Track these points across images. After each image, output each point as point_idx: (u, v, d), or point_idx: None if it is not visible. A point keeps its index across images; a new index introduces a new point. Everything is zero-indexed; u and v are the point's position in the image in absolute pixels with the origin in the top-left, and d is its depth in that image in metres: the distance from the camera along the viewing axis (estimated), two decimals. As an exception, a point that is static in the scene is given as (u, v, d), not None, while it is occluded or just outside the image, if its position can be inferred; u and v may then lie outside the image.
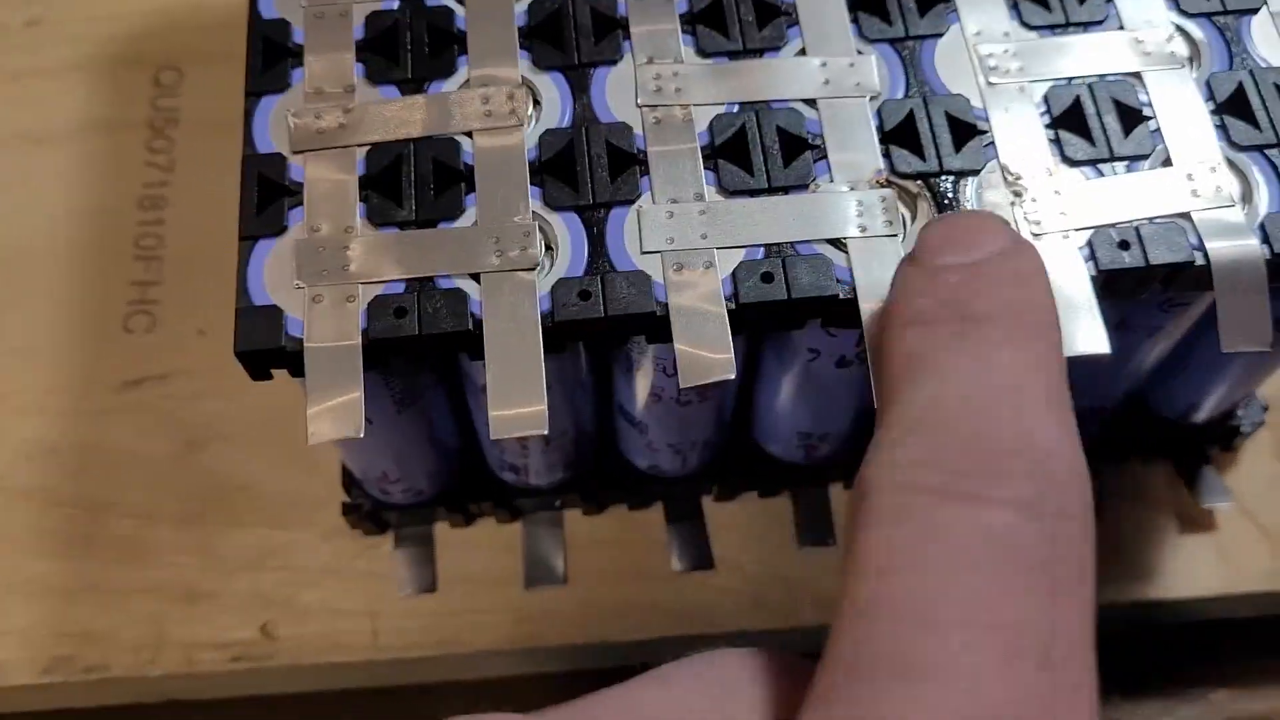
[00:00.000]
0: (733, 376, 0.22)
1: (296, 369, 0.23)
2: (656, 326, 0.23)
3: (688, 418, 0.29)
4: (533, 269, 0.23)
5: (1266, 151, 0.25)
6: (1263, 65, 0.26)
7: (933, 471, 0.17)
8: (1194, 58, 0.26)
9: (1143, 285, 0.24)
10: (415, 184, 0.24)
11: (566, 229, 0.24)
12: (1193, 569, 0.33)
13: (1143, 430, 0.33)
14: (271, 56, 0.26)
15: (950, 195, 0.24)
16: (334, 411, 0.22)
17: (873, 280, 0.23)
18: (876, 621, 0.16)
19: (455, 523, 0.33)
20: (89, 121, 0.39)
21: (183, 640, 0.32)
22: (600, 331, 0.23)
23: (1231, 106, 0.25)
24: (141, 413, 0.34)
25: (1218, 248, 0.24)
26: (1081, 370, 0.22)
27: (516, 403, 0.22)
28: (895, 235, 0.24)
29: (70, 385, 0.35)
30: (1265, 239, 0.24)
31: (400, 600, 0.32)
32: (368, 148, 0.25)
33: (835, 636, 0.17)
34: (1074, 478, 0.18)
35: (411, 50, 0.26)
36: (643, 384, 0.28)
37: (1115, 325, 0.27)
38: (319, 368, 0.23)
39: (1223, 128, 0.25)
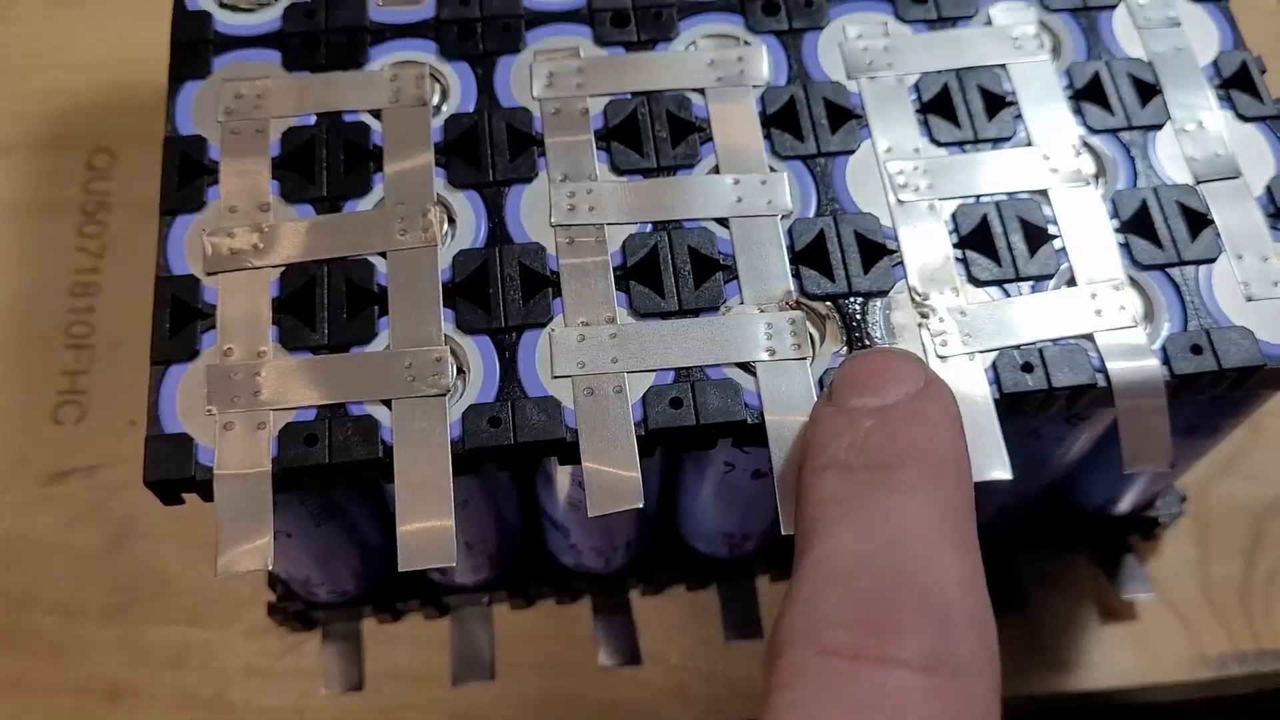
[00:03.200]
0: (640, 505, 0.23)
1: (207, 495, 0.23)
2: (566, 451, 0.23)
3: (609, 524, 0.29)
4: (444, 395, 0.23)
5: (1169, 270, 0.25)
6: (1167, 183, 0.26)
7: (838, 631, 0.18)
8: (1100, 174, 0.27)
9: (1046, 405, 0.25)
10: (328, 306, 0.24)
11: (479, 352, 0.24)
12: (1113, 659, 0.33)
13: (1063, 521, 0.34)
14: (187, 174, 0.26)
15: (858, 317, 0.25)
16: (244, 542, 0.22)
17: (781, 404, 0.23)
18: None
19: (383, 619, 0.33)
20: (19, 205, 0.39)
21: (107, 739, 0.32)
22: (510, 457, 0.23)
23: (1135, 225, 0.26)
24: (68, 505, 0.34)
25: (1119, 369, 0.24)
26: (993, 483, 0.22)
27: (425, 534, 0.22)
28: (804, 358, 0.24)
29: (-3, 476, 0.35)
30: (1165, 360, 0.24)
31: (328, 697, 0.32)
32: (282, 268, 0.25)
33: None
34: (978, 629, 0.18)
35: (327, 168, 0.26)
36: (561, 492, 0.28)
37: (1027, 434, 0.27)
38: (229, 496, 0.23)
39: (1126, 246, 0.26)
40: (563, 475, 0.27)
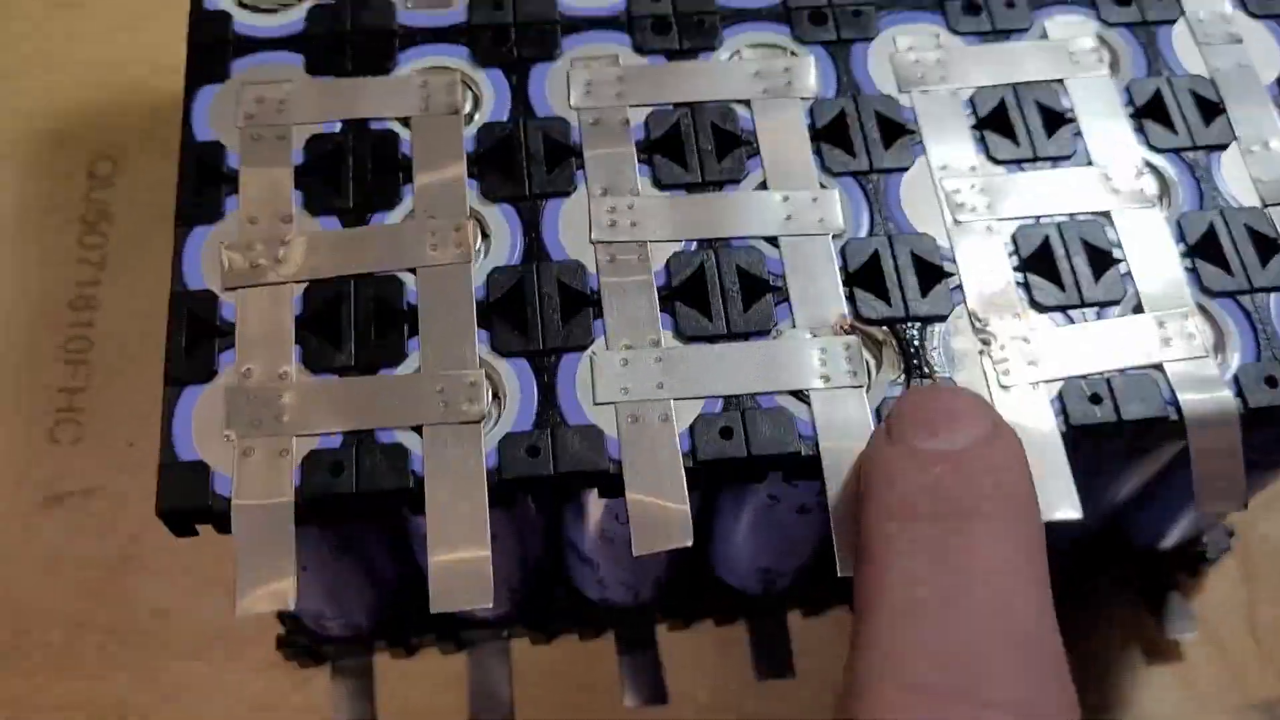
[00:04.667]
0: (689, 544, 0.21)
1: (224, 528, 0.22)
2: (609, 484, 0.22)
3: (641, 557, 0.28)
4: (479, 422, 0.22)
5: (1239, 297, 0.24)
6: (1234, 205, 0.25)
7: (930, 670, 0.17)
8: (1164, 195, 0.25)
9: (1114, 438, 0.23)
10: (355, 325, 0.23)
11: (515, 377, 0.23)
12: (1158, 702, 0.32)
13: (1109, 556, 0.32)
14: (204, 183, 0.24)
15: (917, 343, 0.23)
16: (265, 580, 0.21)
17: (836, 435, 0.22)
18: None
19: (396, 654, 0.31)
20: (19, 214, 0.37)
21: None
22: (550, 489, 0.22)
23: (1202, 249, 0.25)
24: (65, 530, 0.33)
25: (1192, 401, 0.23)
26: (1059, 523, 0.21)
27: (459, 572, 0.21)
28: (860, 386, 0.23)
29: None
30: (1239, 392, 0.23)
31: (337, 736, 0.31)
32: (305, 284, 0.23)
33: None
34: (1062, 674, 0.18)
35: (354, 178, 0.24)
36: (593, 525, 0.26)
37: (1083, 467, 0.26)
38: (248, 528, 0.21)
39: (1194, 271, 0.24)
40: (595, 506, 0.25)
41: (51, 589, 0.32)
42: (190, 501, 0.21)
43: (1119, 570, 0.33)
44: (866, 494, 0.20)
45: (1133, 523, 0.31)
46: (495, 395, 0.22)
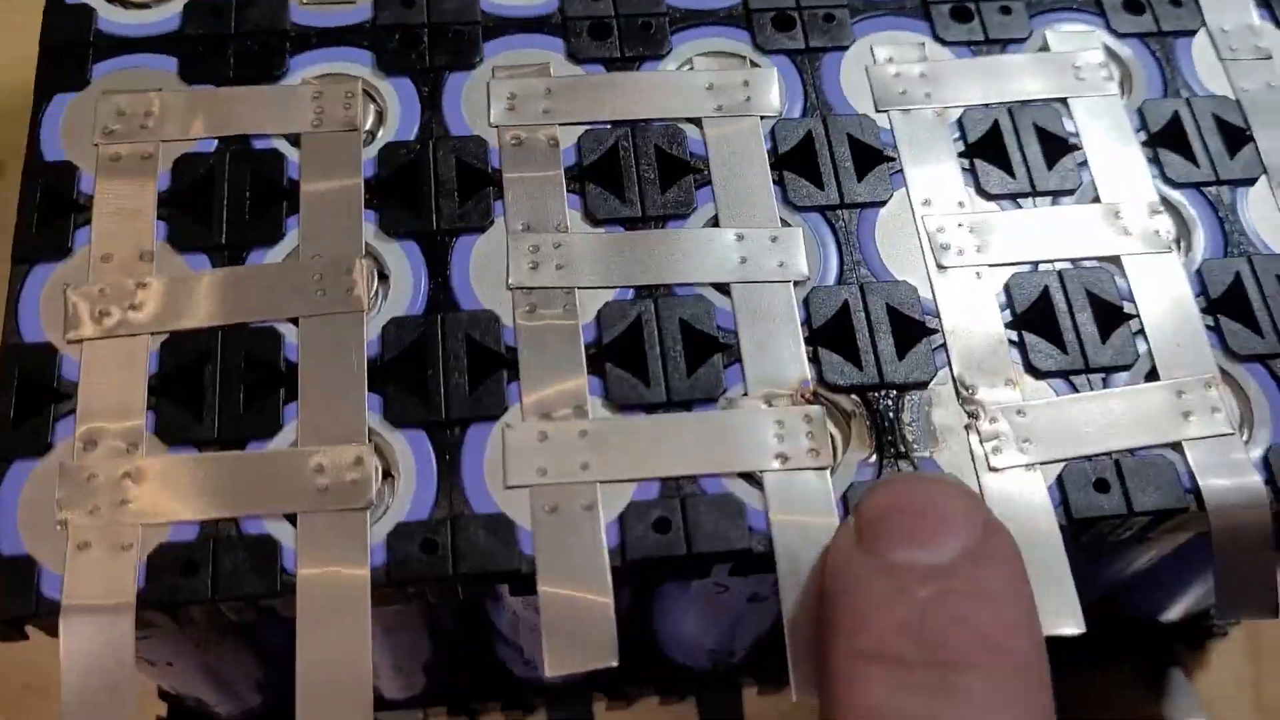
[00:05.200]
0: (614, 664, 0.18)
1: (54, 632, 0.18)
2: (521, 583, 0.18)
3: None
4: (365, 509, 0.18)
5: (1270, 363, 0.21)
6: (1263, 251, 0.22)
7: None
8: (1182, 238, 0.22)
9: (1121, 529, 0.20)
10: (221, 389, 0.19)
11: (411, 453, 0.19)
12: (1159, 791, 0.29)
13: (1107, 631, 0.29)
14: (50, 212, 0.20)
15: (892, 415, 0.20)
16: (96, 702, 0.17)
17: (794, 527, 0.19)
18: None
19: (297, 737, 0.28)
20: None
21: None
22: (449, 590, 0.18)
23: (1227, 304, 0.21)
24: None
25: (1214, 488, 0.19)
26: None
27: (333, 695, 0.17)
28: (823, 467, 0.19)
29: None
30: (1269, 477, 0.20)
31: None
32: (164, 337, 0.20)
33: None
34: None
35: (229, 207, 0.21)
36: (510, 612, 0.23)
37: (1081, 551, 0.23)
38: (79, 638, 0.18)
39: (1217, 330, 0.21)
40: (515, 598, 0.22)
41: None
42: (12, 609, 0.18)
43: (1118, 646, 0.29)
44: (832, 617, 0.17)
45: (1133, 597, 0.28)
46: (386, 475, 0.19)
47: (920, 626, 0.16)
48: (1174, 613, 0.28)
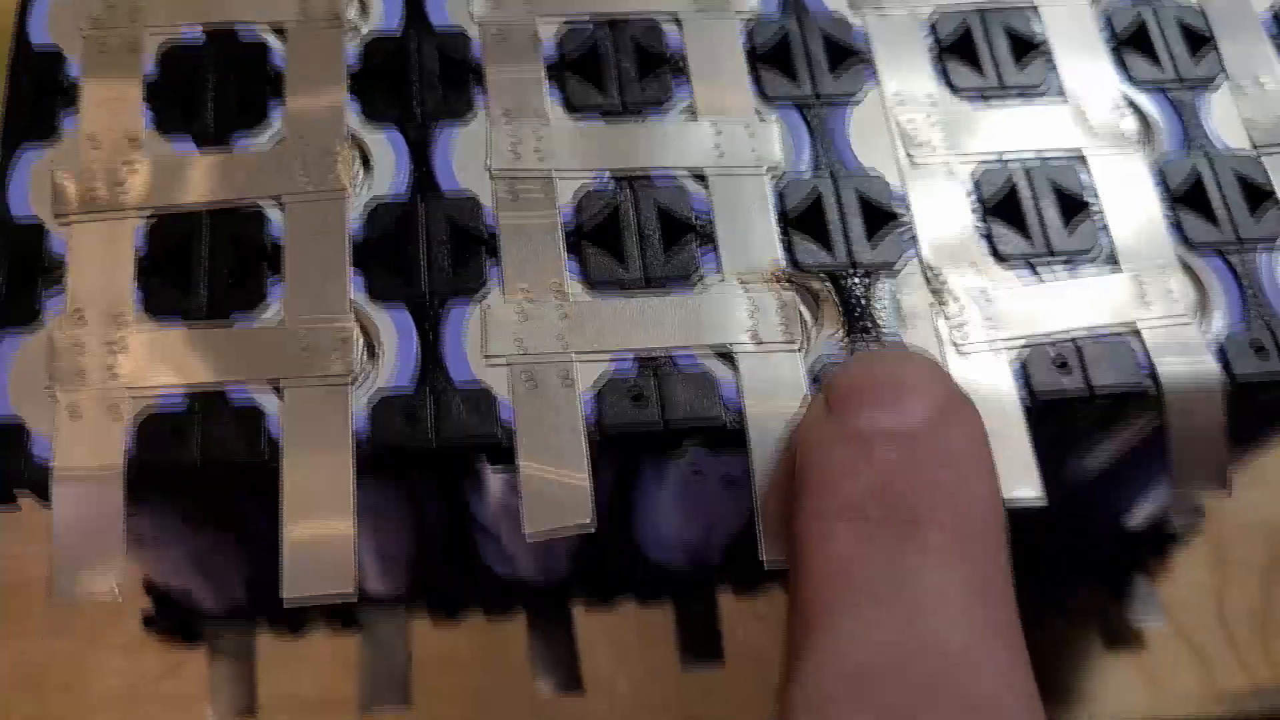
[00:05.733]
0: (591, 526, 0.18)
1: (43, 496, 0.18)
2: (500, 454, 0.19)
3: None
4: (348, 380, 0.19)
5: (1226, 253, 0.21)
6: (1222, 150, 0.22)
7: None
8: (1145, 136, 0.22)
9: (1083, 410, 0.20)
10: (208, 265, 0.20)
11: (394, 328, 0.19)
12: (1119, 692, 0.29)
13: (1069, 536, 0.30)
14: (38, 96, 0.21)
15: (861, 297, 0.20)
16: (88, 559, 0.18)
17: (765, 401, 0.19)
18: None
19: (280, 634, 0.28)
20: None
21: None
22: (430, 460, 0.19)
23: (1187, 198, 0.22)
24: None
25: (1172, 371, 0.20)
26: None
27: (317, 556, 0.18)
28: (794, 346, 0.20)
29: None
30: (1223, 361, 0.20)
31: (213, 726, 0.27)
32: (151, 217, 0.20)
33: None
34: None
35: (215, 94, 0.21)
36: (492, 495, 0.23)
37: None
38: (69, 501, 0.18)
39: (1176, 223, 0.21)
40: (493, 474, 0.22)
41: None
42: (2, 470, 0.18)
43: (1080, 551, 0.30)
44: (801, 481, 0.17)
45: (1096, 499, 0.29)
46: (370, 349, 0.19)
47: (884, 487, 0.16)
48: (1138, 519, 0.29)
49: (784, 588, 0.18)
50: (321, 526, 0.18)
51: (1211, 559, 0.31)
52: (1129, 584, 0.30)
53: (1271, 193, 0.22)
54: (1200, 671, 0.30)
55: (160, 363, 0.19)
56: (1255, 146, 0.22)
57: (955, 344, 0.20)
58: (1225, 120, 0.23)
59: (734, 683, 0.28)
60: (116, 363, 0.19)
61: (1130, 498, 0.28)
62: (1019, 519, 0.24)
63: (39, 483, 0.18)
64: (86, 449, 0.18)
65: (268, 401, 0.19)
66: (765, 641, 0.29)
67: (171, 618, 0.27)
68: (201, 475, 0.18)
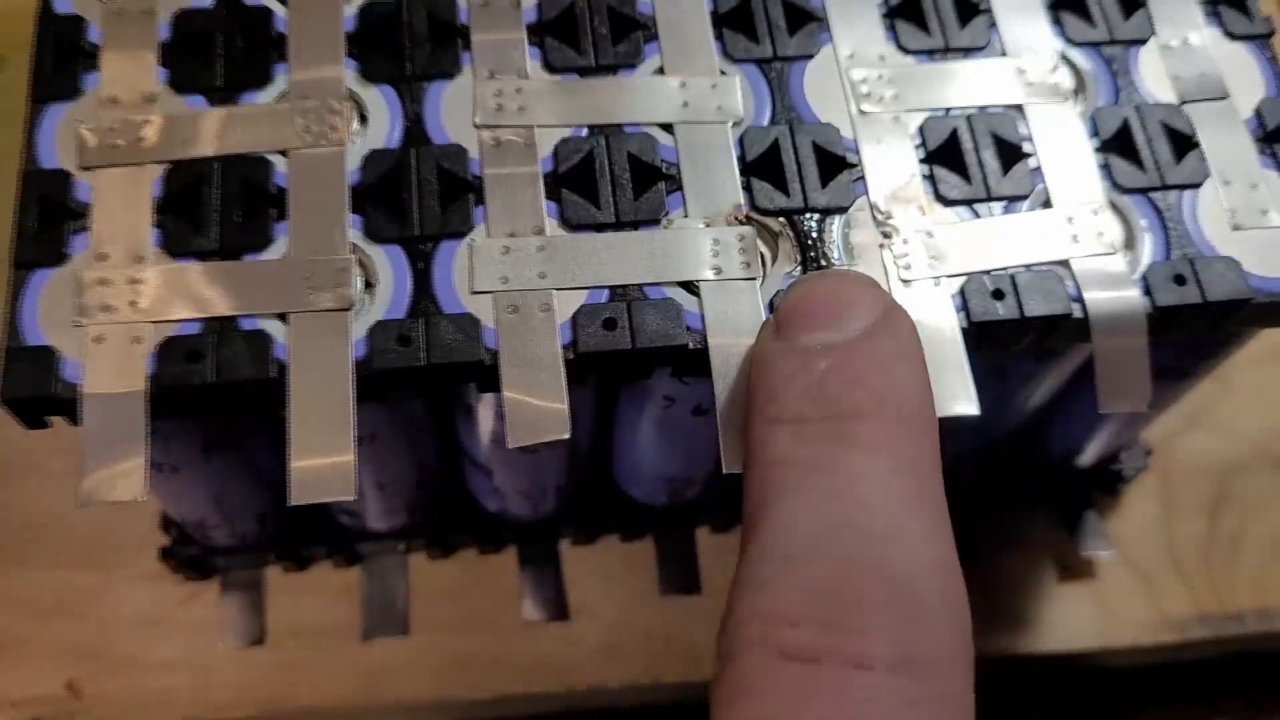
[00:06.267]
0: (567, 436, 0.20)
1: (73, 417, 0.20)
2: (485, 376, 0.21)
3: (536, 463, 0.27)
4: (347, 310, 0.21)
5: (1151, 195, 0.23)
6: (1150, 102, 0.24)
7: (797, 631, 0.16)
8: (1079, 90, 0.24)
9: (1017, 337, 0.22)
10: (219, 208, 0.22)
11: (389, 264, 0.21)
12: (1071, 619, 0.31)
13: (1024, 473, 0.32)
14: (62, 58, 0.23)
15: (815, 235, 0.22)
16: (113, 468, 0.20)
17: (727, 329, 0.21)
18: None
19: (288, 567, 0.30)
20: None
21: (-22, 695, 0.29)
22: (421, 380, 0.21)
23: (1116, 145, 0.24)
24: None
25: (1097, 299, 0.22)
26: (957, 420, 0.20)
27: (322, 464, 0.20)
28: (753, 279, 0.22)
29: None
30: (1147, 290, 0.22)
31: (226, 653, 0.29)
32: (167, 166, 0.22)
33: None
34: (949, 614, 0.17)
35: (224, 55, 0.23)
36: (484, 427, 0.25)
37: (992, 371, 0.25)
38: (97, 418, 0.20)
39: (1106, 167, 0.23)
40: (485, 409, 0.24)
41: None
42: (36, 389, 0.20)
43: (1034, 488, 0.32)
44: (751, 394, 0.19)
45: (1047, 436, 0.31)
46: (367, 284, 0.21)
47: (819, 391, 0.18)
48: (1088, 456, 0.31)
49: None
50: (324, 439, 0.20)
51: (1160, 494, 0.33)
52: (1081, 519, 0.32)
53: (1194, 141, 0.24)
54: (1150, 600, 0.31)
55: (177, 296, 0.21)
56: (1181, 99, 0.24)
57: (901, 277, 0.22)
58: (1153, 75, 0.25)
59: (709, 608, 0.30)
60: (138, 295, 0.21)
61: (1079, 435, 0.30)
62: (978, 452, 0.26)
63: (69, 401, 0.20)
64: (112, 372, 0.20)
65: (275, 329, 0.21)
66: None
67: (187, 551, 0.29)
68: (216, 394, 0.20)
